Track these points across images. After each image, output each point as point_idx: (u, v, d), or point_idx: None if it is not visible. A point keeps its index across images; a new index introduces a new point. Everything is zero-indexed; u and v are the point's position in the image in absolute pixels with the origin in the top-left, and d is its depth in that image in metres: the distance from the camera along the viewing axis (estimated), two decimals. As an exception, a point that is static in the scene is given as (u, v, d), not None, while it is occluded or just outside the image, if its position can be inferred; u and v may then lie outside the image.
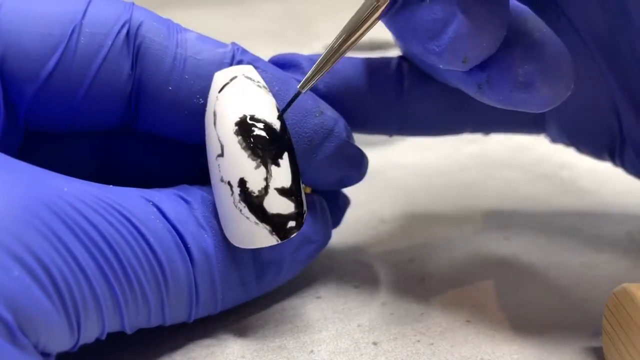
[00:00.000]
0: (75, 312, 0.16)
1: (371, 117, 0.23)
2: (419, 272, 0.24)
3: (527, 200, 0.31)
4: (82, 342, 0.16)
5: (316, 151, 0.21)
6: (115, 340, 0.20)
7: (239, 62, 0.20)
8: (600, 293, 0.23)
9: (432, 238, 0.27)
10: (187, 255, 0.18)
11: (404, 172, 0.34)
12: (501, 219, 0.29)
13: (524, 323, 0.21)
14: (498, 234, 0.27)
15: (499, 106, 0.19)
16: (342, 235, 0.27)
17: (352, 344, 0.20)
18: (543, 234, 0.27)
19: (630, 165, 0.24)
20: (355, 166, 0.22)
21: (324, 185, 0.23)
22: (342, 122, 0.22)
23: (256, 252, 0.20)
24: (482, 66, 0.18)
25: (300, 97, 0.20)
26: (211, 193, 0.20)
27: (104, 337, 0.17)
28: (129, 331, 0.18)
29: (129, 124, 0.21)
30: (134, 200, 0.18)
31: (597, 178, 0.33)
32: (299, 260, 0.22)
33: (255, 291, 0.21)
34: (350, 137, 0.22)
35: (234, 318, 0.22)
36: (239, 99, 0.19)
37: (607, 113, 0.23)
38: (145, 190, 0.19)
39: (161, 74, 0.19)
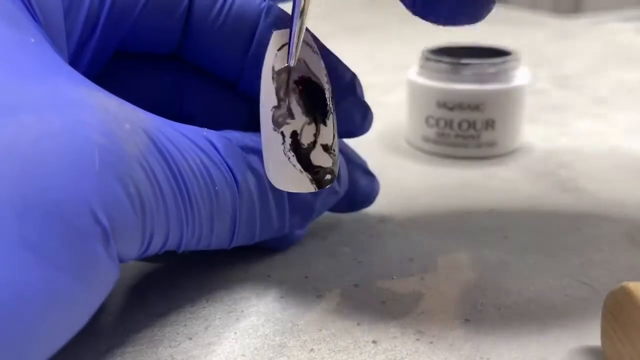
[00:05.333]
0: (150, 227, 0.18)
1: None
2: (419, 271, 0.24)
3: (527, 200, 0.31)
4: (145, 254, 0.19)
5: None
6: (116, 339, 0.20)
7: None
8: (600, 293, 0.23)
9: (432, 237, 0.27)
10: (236, 190, 0.21)
11: (404, 172, 0.35)
12: (501, 219, 0.29)
13: (523, 322, 0.21)
14: (498, 233, 0.27)
15: None
16: (342, 234, 0.27)
17: (352, 343, 0.20)
18: (542, 234, 0.27)
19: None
20: (360, 120, 0.25)
21: None
22: (356, 78, 0.24)
23: (291, 197, 0.23)
24: None
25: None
26: (253, 140, 0.22)
27: (161, 252, 0.19)
28: (181, 249, 0.20)
29: (177, 47, 0.23)
30: (198, 137, 0.20)
31: (596, 178, 0.33)
32: (324, 207, 0.25)
33: (286, 228, 0.23)
34: (361, 93, 0.24)
35: (235, 316, 0.22)
36: (298, 60, 0.21)
37: None
38: (203, 129, 0.21)
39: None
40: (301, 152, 0.21)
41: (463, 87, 0.35)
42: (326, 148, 0.21)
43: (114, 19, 0.21)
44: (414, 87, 0.37)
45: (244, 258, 0.25)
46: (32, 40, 0.17)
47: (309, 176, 0.21)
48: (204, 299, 0.23)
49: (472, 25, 0.20)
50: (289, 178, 0.21)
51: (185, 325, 0.21)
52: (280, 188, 0.21)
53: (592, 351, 0.20)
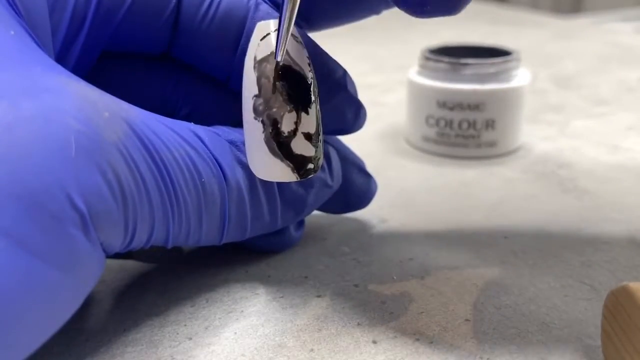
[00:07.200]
0: (133, 216, 0.17)
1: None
2: (419, 271, 0.24)
3: (527, 199, 0.31)
4: (130, 246, 0.18)
5: (322, 101, 0.22)
6: (116, 339, 0.20)
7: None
8: (600, 292, 0.23)
9: (432, 237, 0.27)
10: (224, 183, 0.21)
11: (404, 172, 0.35)
12: (501, 219, 0.29)
13: (523, 322, 0.21)
14: (498, 233, 0.27)
15: None
16: (342, 234, 0.27)
17: (352, 343, 0.20)
18: (543, 234, 0.27)
19: None
20: (352, 117, 0.24)
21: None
22: (347, 74, 0.24)
23: (282, 191, 0.23)
24: None
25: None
26: (242, 134, 0.22)
27: (148, 246, 0.19)
28: (170, 245, 0.20)
29: (168, 47, 0.23)
30: (184, 130, 0.20)
31: (596, 178, 0.33)
32: (317, 201, 0.24)
33: (278, 224, 0.23)
34: (353, 90, 0.24)
35: (235, 316, 0.22)
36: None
37: None
38: (190, 124, 0.21)
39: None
40: (281, 140, 0.21)
41: (463, 87, 0.35)
42: (308, 137, 0.21)
43: (100, 18, 0.21)
44: (414, 87, 0.37)
45: (244, 258, 0.25)
46: (12, 32, 0.17)
47: (290, 165, 0.21)
48: (204, 299, 0.23)
49: (448, 16, 0.19)
50: (269, 167, 0.21)
51: (185, 325, 0.21)
52: (262, 177, 0.21)
53: (592, 351, 0.20)
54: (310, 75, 0.21)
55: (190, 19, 0.22)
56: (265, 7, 0.23)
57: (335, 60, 0.23)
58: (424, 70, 0.36)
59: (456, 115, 0.35)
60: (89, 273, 0.17)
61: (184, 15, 0.22)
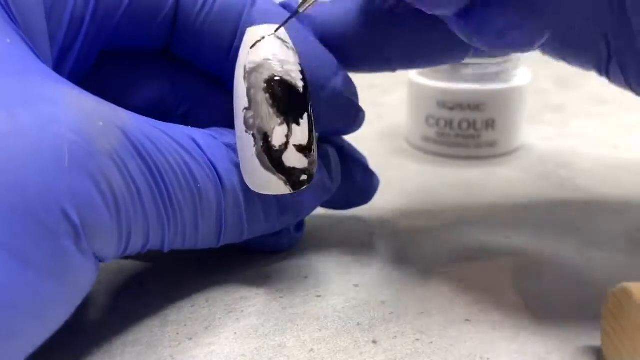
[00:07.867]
0: (127, 225, 0.17)
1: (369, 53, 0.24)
2: (419, 271, 0.24)
3: (527, 199, 0.31)
4: (126, 253, 0.18)
5: (320, 103, 0.22)
6: (116, 338, 0.20)
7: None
8: (600, 292, 0.23)
9: (432, 237, 0.27)
10: (220, 188, 0.20)
11: (403, 172, 0.34)
12: (501, 218, 0.29)
13: (523, 322, 0.21)
14: (498, 233, 0.27)
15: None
16: (341, 234, 0.27)
17: (352, 343, 0.20)
18: (543, 233, 0.27)
19: (614, 78, 0.24)
20: (350, 119, 0.24)
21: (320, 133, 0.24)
22: (347, 75, 0.23)
23: (279, 195, 0.22)
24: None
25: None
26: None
27: (144, 251, 0.19)
28: (166, 249, 0.20)
29: (166, 45, 0.23)
30: (180, 135, 0.20)
31: (596, 177, 0.33)
32: (316, 203, 0.24)
33: (276, 226, 0.23)
34: (352, 91, 0.24)
35: (235, 316, 0.22)
36: (270, 58, 0.20)
37: (598, 37, 0.23)
38: (186, 127, 0.21)
39: None
40: (272, 154, 0.20)
41: (463, 87, 0.35)
42: (300, 149, 0.20)
43: (99, 18, 0.21)
44: (414, 87, 0.37)
45: (243, 258, 0.25)
46: (8, 41, 0.17)
47: (283, 178, 0.20)
48: (204, 299, 0.23)
49: (522, 53, 0.19)
50: (262, 180, 0.20)
51: (185, 325, 0.21)
52: (256, 190, 0.21)
53: (592, 351, 0.20)
54: (301, 84, 0.20)
55: (188, 14, 0.22)
56: (262, 3, 0.22)
57: (334, 60, 0.23)
58: (424, 70, 0.36)
59: (456, 115, 0.35)
60: (81, 283, 0.17)
61: (182, 12, 0.22)
